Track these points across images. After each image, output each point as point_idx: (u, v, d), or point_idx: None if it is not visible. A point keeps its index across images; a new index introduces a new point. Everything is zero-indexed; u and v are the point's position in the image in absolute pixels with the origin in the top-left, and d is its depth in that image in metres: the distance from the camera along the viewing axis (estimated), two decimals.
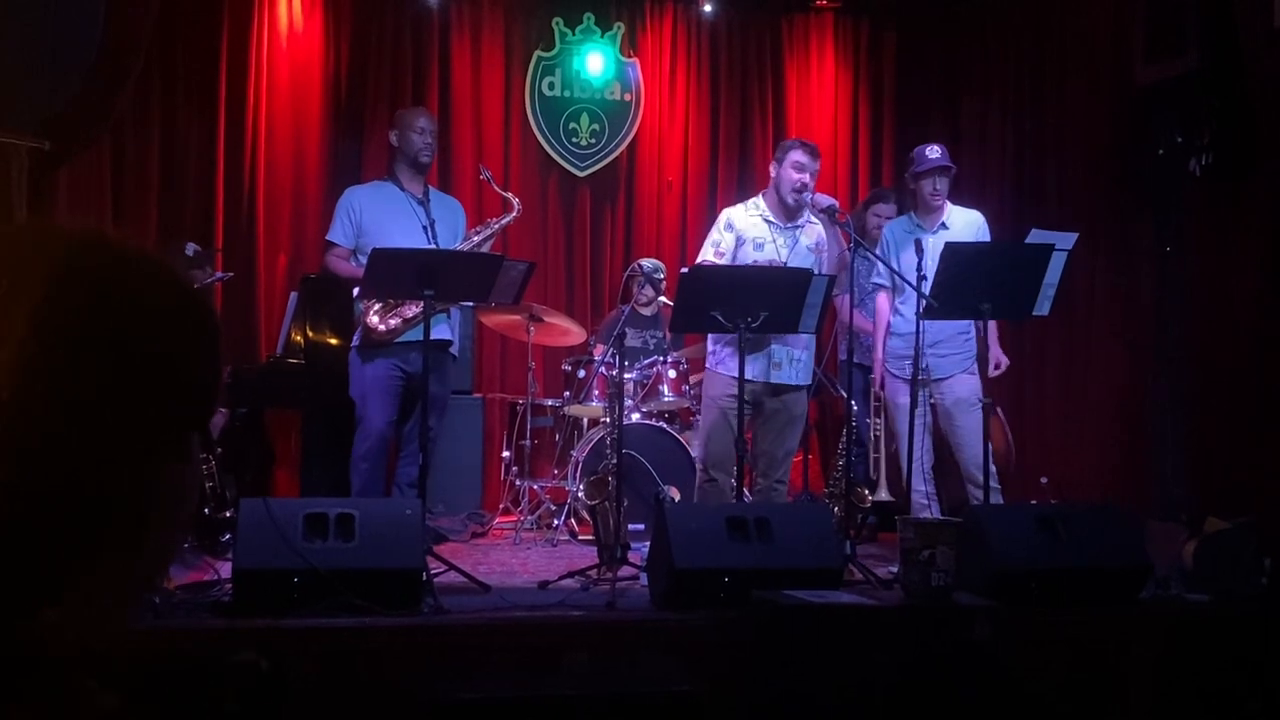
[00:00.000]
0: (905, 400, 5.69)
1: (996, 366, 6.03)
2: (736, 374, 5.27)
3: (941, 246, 5.28)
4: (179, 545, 0.89)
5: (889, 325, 5.98)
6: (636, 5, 8.38)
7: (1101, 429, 6.88)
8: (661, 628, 4.24)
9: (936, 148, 5.97)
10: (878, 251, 5.98)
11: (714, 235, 5.68)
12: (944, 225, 5.90)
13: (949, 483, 5.98)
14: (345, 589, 4.02)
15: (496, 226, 6.06)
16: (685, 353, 6.88)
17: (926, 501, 5.75)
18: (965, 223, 5.94)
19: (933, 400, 5.85)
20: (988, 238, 5.97)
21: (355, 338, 5.80)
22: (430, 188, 6.08)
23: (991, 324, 5.96)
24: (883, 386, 6.12)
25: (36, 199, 5.22)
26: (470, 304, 6.33)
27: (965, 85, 8.19)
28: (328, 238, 5.92)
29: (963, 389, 5.80)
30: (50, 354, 0.81)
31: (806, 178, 5.52)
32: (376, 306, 5.65)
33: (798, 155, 5.57)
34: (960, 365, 5.86)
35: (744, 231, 5.59)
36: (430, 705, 3.67)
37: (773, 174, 5.67)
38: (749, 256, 5.56)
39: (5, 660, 0.80)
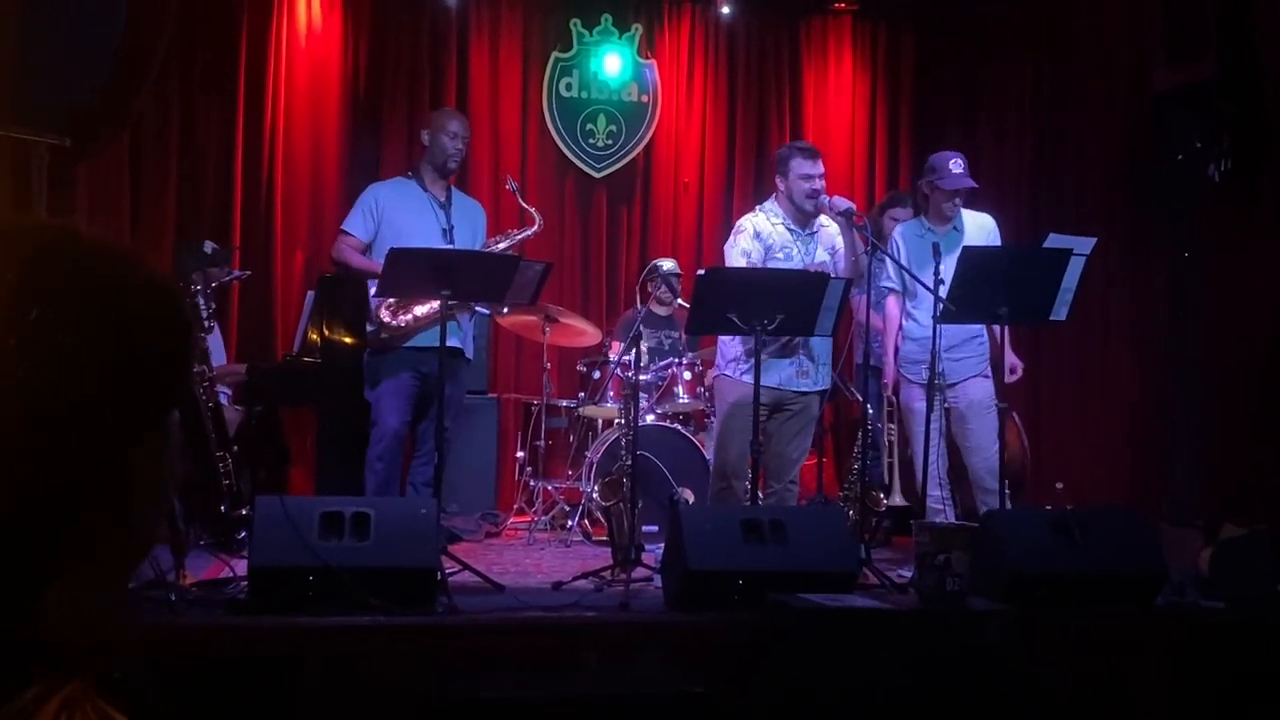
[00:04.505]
0: (920, 405, 5.68)
1: (1012, 371, 6.00)
2: (764, 384, 5.22)
3: (958, 250, 5.27)
4: (159, 528, 0.93)
5: (901, 329, 5.95)
6: (654, 7, 8.38)
7: (1117, 434, 6.86)
8: (675, 629, 4.24)
9: (959, 161, 5.85)
10: (894, 253, 5.95)
11: (742, 245, 5.58)
12: (955, 229, 5.87)
13: (963, 487, 5.96)
14: (360, 587, 4.02)
15: (517, 239, 6.06)
16: (701, 354, 6.87)
17: (941, 506, 5.74)
18: (976, 226, 5.89)
19: (947, 405, 5.82)
20: (998, 242, 5.92)
21: (369, 333, 5.81)
22: (453, 189, 6.08)
23: (1005, 328, 5.93)
24: (896, 391, 6.09)
25: (56, 195, 5.25)
26: (485, 312, 6.33)
27: (983, 89, 8.18)
28: (343, 227, 5.91)
29: (977, 393, 5.76)
30: (18, 347, 0.84)
31: (816, 182, 5.52)
32: (389, 302, 5.66)
33: (801, 166, 5.54)
34: (974, 369, 5.82)
35: (771, 241, 5.58)
36: (443, 704, 3.67)
37: (780, 186, 5.64)
38: (776, 265, 5.55)
39: (7, 646, 0.81)
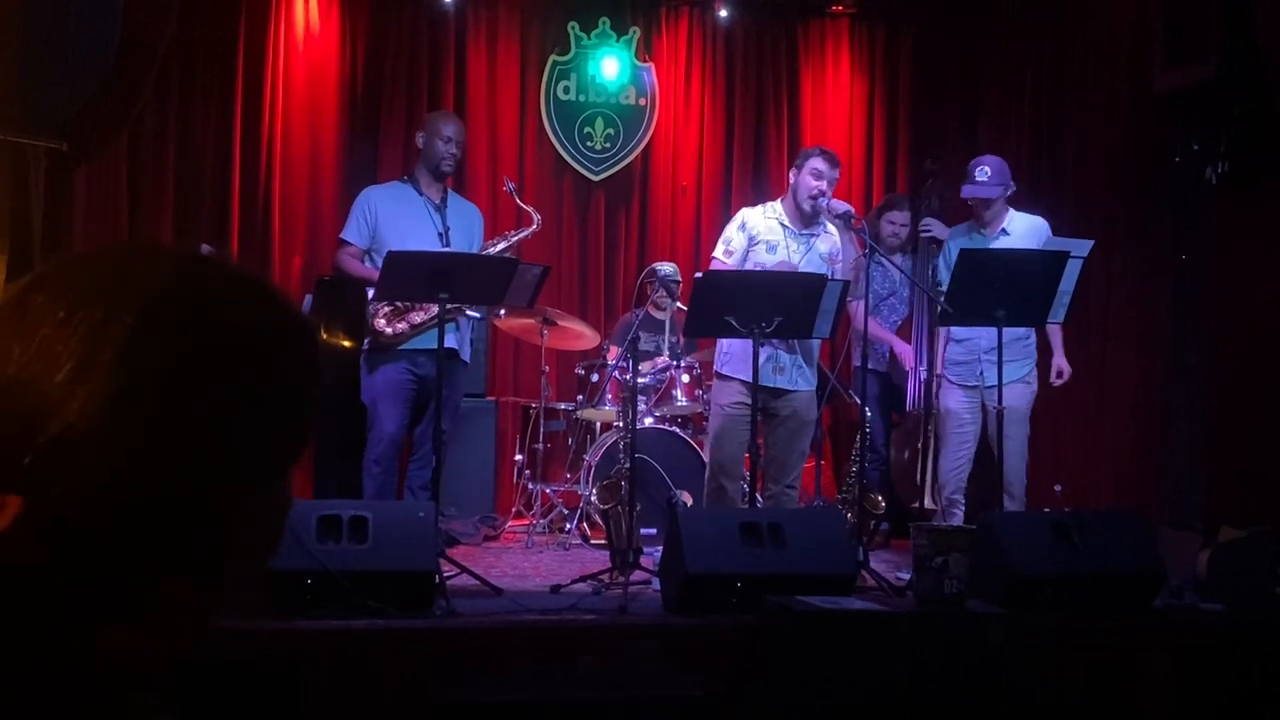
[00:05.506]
0: (954, 405, 5.69)
1: (1059, 374, 5.96)
2: (741, 376, 5.29)
3: None
4: (261, 573, 0.85)
5: (949, 332, 5.90)
6: (652, 10, 8.38)
7: (1116, 436, 6.86)
8: (674, 632, 4.24)
9: (986, 167, 5.81)
10: (939, 261, 5.93)
11: (727, 233, 5.68)
12: (1004, 232, 5.82)
13: (973, 487, 5.93)
14: (358, 591, 4.02)
15: (515, 239, 6.06)
16: (698, 357, 6.87)
17: (957, 511, 5.73)
18: (1027, 229, 5.81)
19: (984, 407, 5.76)
20: (1050, 245, 5.84)
21: (366, 341, 5.82)
22: (450, 192, 6.08)
23: (1056, 331, 5.89)
24: (937, 393, 6.05)
25: (54, 200, 5.24)
26: (479, 315, 6.34)
27: (981, 92, 8.18)
28: (341, 236, 5.94)
29: (1012, 398, 5.53)
30: (138, 381, 0.78)
31: (824, 185, 5.51)
32: (385, 310, 5.66)
33: (816, 163, 5.55)
34: (1016, 373, 5.65)
35: (758, 233, 5.59)
36: (442, 708, 3.67)
37: (791, 180, 5.66)
38: (760, 258, 5.55)
39: (64, 678, 0.79)
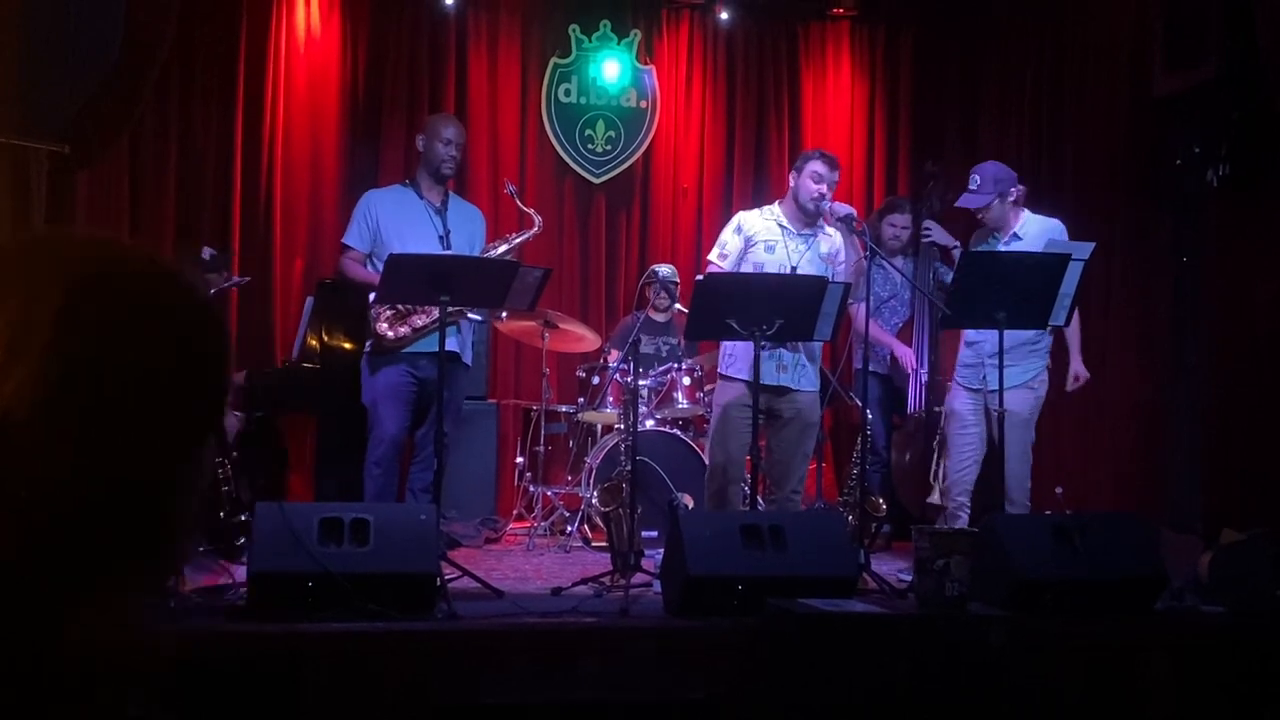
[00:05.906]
0: (959, 406, 5.69)
1: (1075, 380, 5.94)
2: (745, 378, 5.29)
3: None
4: (190, 544, 0.90)
5: (964, 335, 5.90)
6: (653, 12, 8.38)
7: (1116, 437, 6.86)
8: (675, 635, 4.24)
9: (978, 176, 5.77)
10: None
11: (722, 237, 5.68)
12: (1016, 236, 5.77)
13: (979, 490, 5.92)
14: (359, 593, 4.02)
15: (516, 241, 6.06)
16: (700, 360, 6.87)
17: (962, 514, 5.73)
18: (1039, 232, 5.76)
19: (989, 410, 5.75)
20: (1062, 248, 5.80)
21: (368, 344, 5.82)
22: (451, 194, 6.08)
23: (1074, 336, 5.87)
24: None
25: (55, 203, 5.25)
26: (480, 319, 6.34)
27: (982, 94, 8.18)
28: (343, 240, 5.94)
29: (1014, 403, 5.42)
30: (69, 367, 0.81)
31: (824, 188, 5.51)
32: (387, 314, 5.66)
33: (817, 165, 5.54)
34: (1018, 377, 5.55)
35: (755, 234, 5.58)
36: (443, 710, 3.67)
37: (791, 182, 5.66)
38: (759, 258, 5.55)
39: (46, 675, 0.80)
